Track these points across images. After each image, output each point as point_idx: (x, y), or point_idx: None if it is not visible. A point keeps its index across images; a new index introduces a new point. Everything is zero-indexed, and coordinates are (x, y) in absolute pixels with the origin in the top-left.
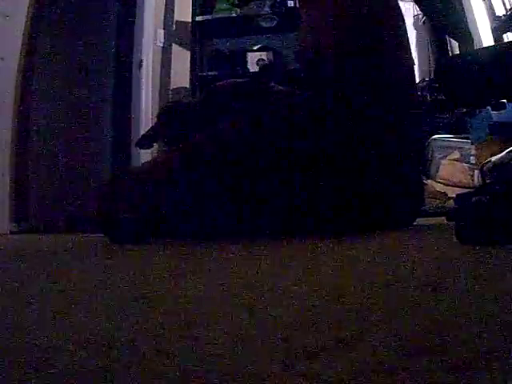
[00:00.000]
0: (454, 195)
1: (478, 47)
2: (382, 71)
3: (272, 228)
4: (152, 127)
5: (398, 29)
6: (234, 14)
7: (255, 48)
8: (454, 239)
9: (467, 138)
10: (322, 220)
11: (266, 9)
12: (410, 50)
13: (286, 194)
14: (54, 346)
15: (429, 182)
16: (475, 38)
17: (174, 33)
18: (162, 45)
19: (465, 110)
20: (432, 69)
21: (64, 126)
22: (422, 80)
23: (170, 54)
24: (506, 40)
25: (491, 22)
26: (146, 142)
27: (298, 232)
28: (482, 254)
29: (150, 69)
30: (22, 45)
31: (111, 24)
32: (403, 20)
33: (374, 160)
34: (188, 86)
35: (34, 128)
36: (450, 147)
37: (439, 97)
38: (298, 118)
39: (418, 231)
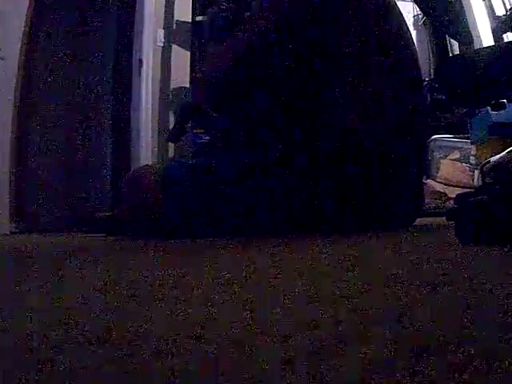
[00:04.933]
0: (454, 195)
1: (477, 47)
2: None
3: (272, 227)
4: (176, 123)
5: None
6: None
7: None
8: (454, 239)
9: (467, 138)
10: (321, 219)
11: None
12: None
13: (286, 193)
14: (54, 346)
15: (429, 181)
16: (475, 38)
17: (174, 33)
18: (162, 45)
19: (465, 110)
20: (432, 69)
21: (64, 125)
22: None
23: (170, 54)
24: (506, 40)
25: (491, 22)
26: (174, 137)
27: (298, 231)
28: (482, 254)
29: (150, 69)
30: (22, 45)
31: (111, 24)
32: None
33: (373, 159)
34: (188, 85)
35: (34, 128)
36: (450, 147)
37: (439, 97)
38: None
39: (418, 231)
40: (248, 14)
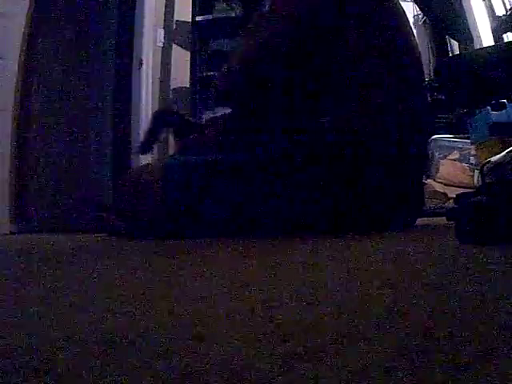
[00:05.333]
0: (454, 195)
1: (477, 47)
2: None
3: (272, 227)
4: (148, 132)
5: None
6: (233, 14)
7: None
8: (454, 239)
9: (467, 138)
10: (322, 220)
11: (266, 9)
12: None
13: (286, 193)
14: (54, 346)
15: (429, 181)
16: (475, 38)
17: (174, 33)
18: (161, 45)
19: (465, 109)
20: (432, 69)
21: (64, 125)
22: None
23: (170, 54)
24: (506, 40)
25: (491, 22)
26: (145, 147)
27: (298, 231)
28: (481, 254)
29: (150, 69)
30: (22, 45)
31: (111, 24)
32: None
33: (374, 160)
34: (188, 85)
35: (34, 128)
36: (450, 147)
37: (439, 97)
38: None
39: (418, 231)
40: (264, 10)
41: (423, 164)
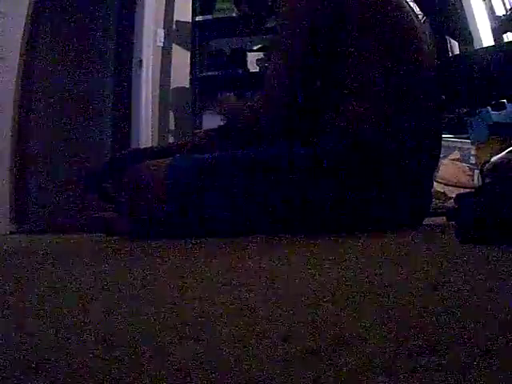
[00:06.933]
0: (454, 195)
1: (478, 47)
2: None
3: (273, 227)
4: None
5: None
6: (233, 14)
7: (255, 48)
8: (454, 239)
9: (467, 138)
10: (325, 219)
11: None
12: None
13: (287, 192)
14: (54, 346)
15: None
16: (475, 38)
17: (174, 33)
18: (161, 45)
19: (465, 109)
20: None
21: (64, 126)
22: None
23: (170, 54)
24: (506, 40)
25: (491, 22)
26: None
27: (300, 231)
28: (481, 254)
29: (150, 69)
30: (22, 45)
31: (111, 24)
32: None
33: (379, 159)
34: (188, 85)
35: (34, 128)
36: (450, 147)
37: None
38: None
39: (418, 231)
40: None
41: (433, 164)
